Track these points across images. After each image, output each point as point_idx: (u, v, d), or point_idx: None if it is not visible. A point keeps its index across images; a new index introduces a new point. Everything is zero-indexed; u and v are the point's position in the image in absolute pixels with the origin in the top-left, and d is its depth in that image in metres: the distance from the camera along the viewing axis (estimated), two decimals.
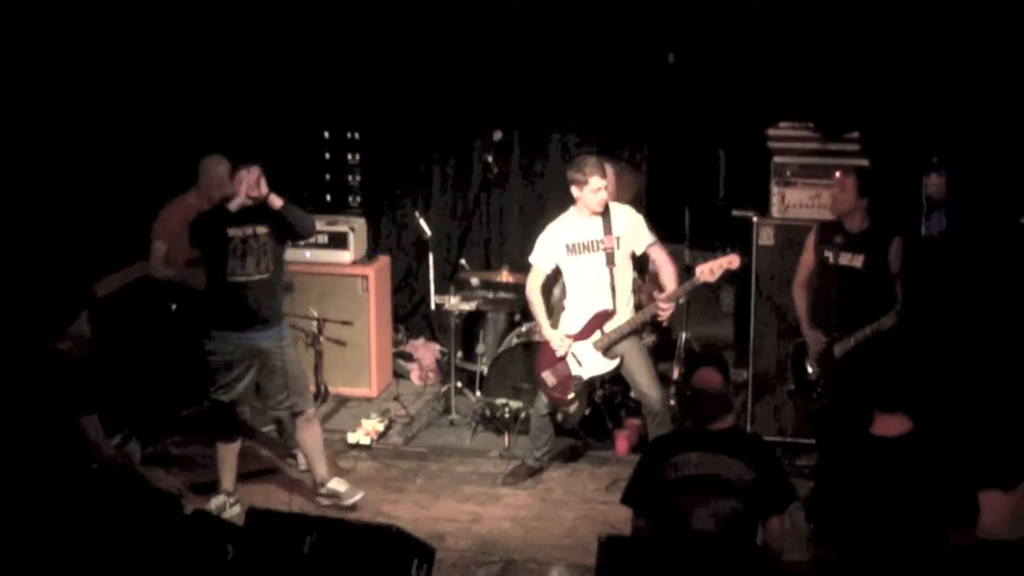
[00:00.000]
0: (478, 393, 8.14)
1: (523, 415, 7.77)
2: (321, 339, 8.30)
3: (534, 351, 7.46)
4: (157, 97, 8.32)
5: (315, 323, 8.26)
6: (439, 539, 6.48)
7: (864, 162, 7.52)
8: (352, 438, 7.88)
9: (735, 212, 7.93)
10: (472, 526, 6.91)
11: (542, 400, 7.32)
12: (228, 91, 8.77)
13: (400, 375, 9.07)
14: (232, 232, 6.63)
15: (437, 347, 9.21)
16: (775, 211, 7.65)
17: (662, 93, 8.71)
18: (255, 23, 8.73)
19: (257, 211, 6.66)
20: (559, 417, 7.41)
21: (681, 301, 7.52)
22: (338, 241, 8.53)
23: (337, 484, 7.04)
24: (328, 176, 9.09)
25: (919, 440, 4.81)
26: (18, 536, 5.23)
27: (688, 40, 8.57)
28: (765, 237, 7.64)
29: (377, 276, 8.68)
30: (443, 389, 8.58)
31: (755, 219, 7.68)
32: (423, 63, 9.00)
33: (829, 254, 6.82)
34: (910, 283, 6.64)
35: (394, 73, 9.04)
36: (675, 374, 8.19)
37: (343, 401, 8.51)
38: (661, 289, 7.08)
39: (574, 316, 7.17)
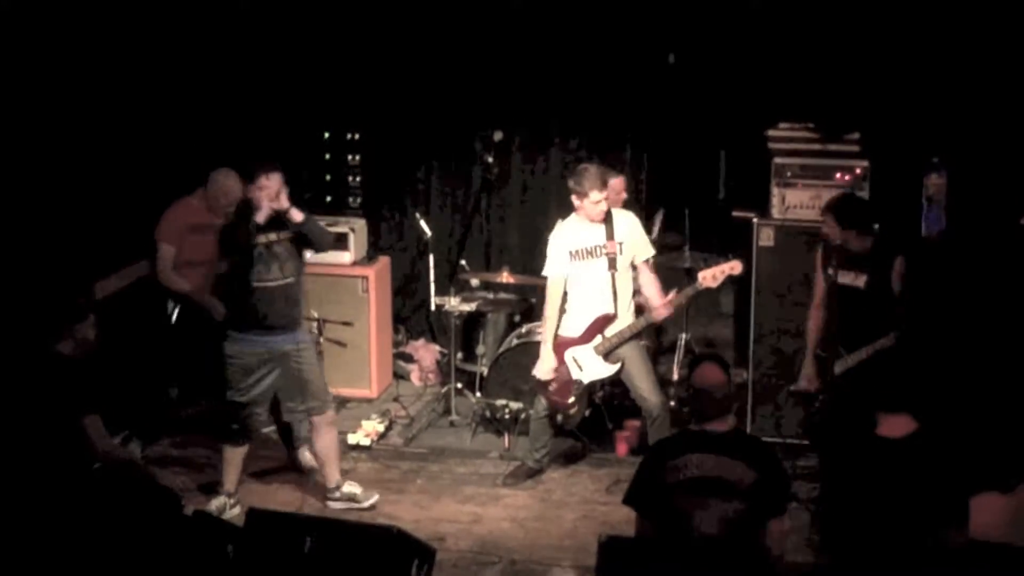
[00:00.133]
0: (478, 394, 8.14)
1: (523, 416, 7.77)
2: (321, 340, 8.28)
3: (534, 352, 7.46)
4: (158, 98, 8.31)
5: (315, 324, 8.25)
6: (439, 540, 6.48)
7: (864, 163, 7.53)
8: (352, 439, 7.88)
9: (735, 213, 7.93)
10: (472, 527, 6.91)
11: (542, 401, 7.32)
12: (228, 92, 8.76)
13: (400, 376, 9.07)
14: (258, 238, 6.71)
15: (437, 348, 9.21)
16: (775, 212, 7.65)
17: (662, 94, 8.71)
18: (255, 24, 8.73)
19: (280, 217, 6.75)
20: (559, 419, 7.41)
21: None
22: (338, 242, 8.53)
23: (352, 487, 7.07)
24: (328, 177, 9.10)
25: (925, 440, 4.81)
26: (20, 536, 5.24)
27: (688, 40, 8.57)
28: (765, 238, 7.64)
29: (377, 277, 8.68)
30: (443, 390, 8.58)
31: (755, 220, 7.68)
32: (423, 64, 9.00)
33: (833, 272, 6.76)
34: (912, 300, 6.59)
35: (394, 74, 9.04)
36: (675, 375, 8.20)
37: (343, 402, 8.50)
38: (640, 306, 7.14)
39: (575, 320, 7.17)
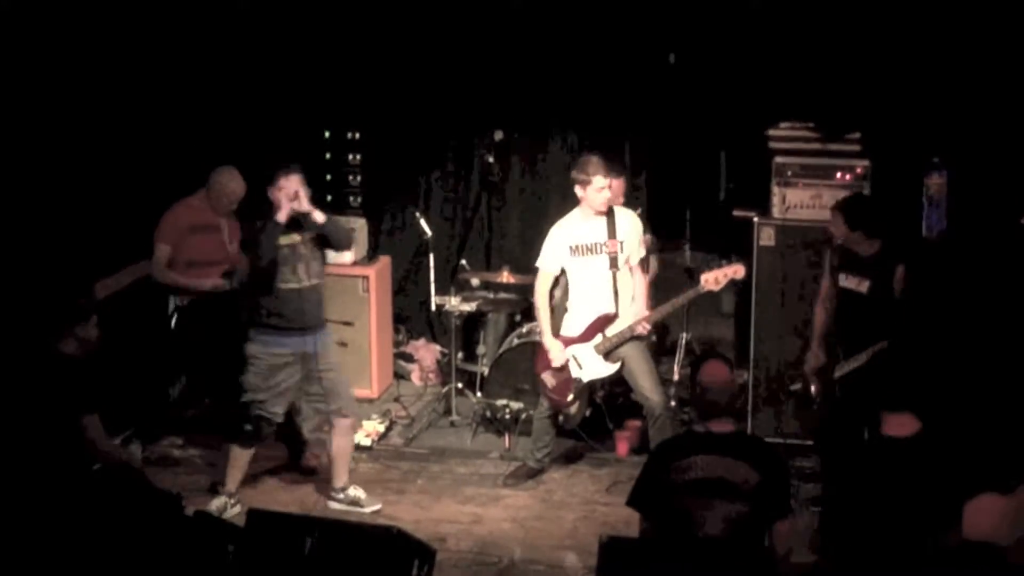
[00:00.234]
0: (479, 394, 8.14)
1: (524, 416, 7.77)
2: None
3: (535, 352, 7.46)
4: (159, 98, 8.31)
5: None
6: (440, 540, 6.48)
7: (865, 162, 7.53)
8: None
9: (736, 212, 7.93)
10: (473, 527, 6.91)
11: (544, 401, 7.32)
12: (229, 91, 8.76)
13: (401, 376, 9.07)
14: (282, 241, 6.72)
15: (438, 348, 9.21)
16: (776, 211, 7.65)
17: (663, 93, 8.71)
18: (256, 24, 8.73)
19: (302, 219, 6.76)
20: (560, 419, 7.41)
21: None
22: None
23: (357, 491, 7.08)
24: (329, 176, 9.08)
25: (930, 440, 4.81)
26: (20, 536, 5.24)
27: (689, 40, 8.57)
28: (766, 237, 7.64)
29: (378, 277, 8.68)
30: (444, 390, 8.58)
31: (756, 219, 7.67)
32: (423, 63, 9.00)
33: (839, 275, 6.75)
34: (913, 300, 6.58)
35: (395, 73, 9.04)
36: (675, 375, 8.19)
37: None
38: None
39: (576, 318, 7.17)
